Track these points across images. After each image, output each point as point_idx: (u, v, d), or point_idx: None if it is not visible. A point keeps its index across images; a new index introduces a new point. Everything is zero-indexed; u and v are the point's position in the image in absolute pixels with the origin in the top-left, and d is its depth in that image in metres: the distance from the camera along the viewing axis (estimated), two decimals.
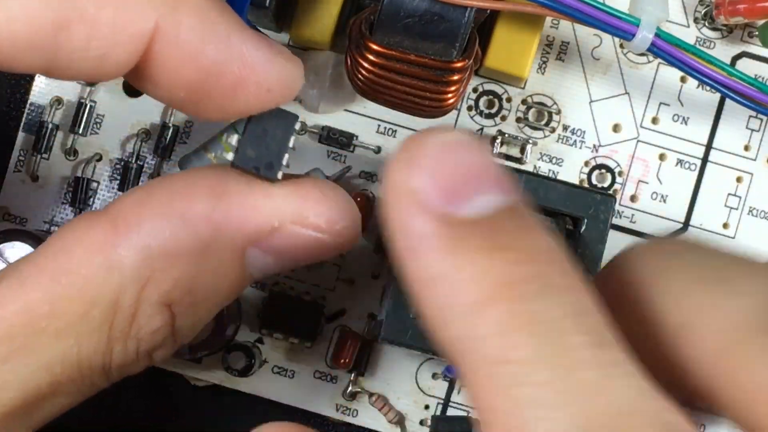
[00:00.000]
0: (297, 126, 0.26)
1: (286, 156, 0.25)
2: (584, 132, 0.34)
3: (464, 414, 0.34)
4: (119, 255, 0.23)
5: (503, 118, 0.34)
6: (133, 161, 0.34)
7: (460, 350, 0.18)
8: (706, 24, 0.34)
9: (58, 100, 0.34)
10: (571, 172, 0.34)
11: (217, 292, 0.25)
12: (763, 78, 0.35)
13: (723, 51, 0.35)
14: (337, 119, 0.34)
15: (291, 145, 0.26)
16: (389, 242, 0.19)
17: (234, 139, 0.26)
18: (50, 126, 0.34)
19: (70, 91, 0.34)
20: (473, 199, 0.18)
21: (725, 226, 0.35)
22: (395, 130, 0.34)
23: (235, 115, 0.25)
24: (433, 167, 0.19)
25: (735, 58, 0.35)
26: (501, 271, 0.18)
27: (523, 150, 0.34)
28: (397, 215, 0.19)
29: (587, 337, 0.17)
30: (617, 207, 0.34)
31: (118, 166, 0.34)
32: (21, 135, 0.34)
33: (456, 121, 0.34)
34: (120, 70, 0.24)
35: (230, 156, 0.25)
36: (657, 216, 0.35)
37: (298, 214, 0.25)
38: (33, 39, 0.22)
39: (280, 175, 0.25)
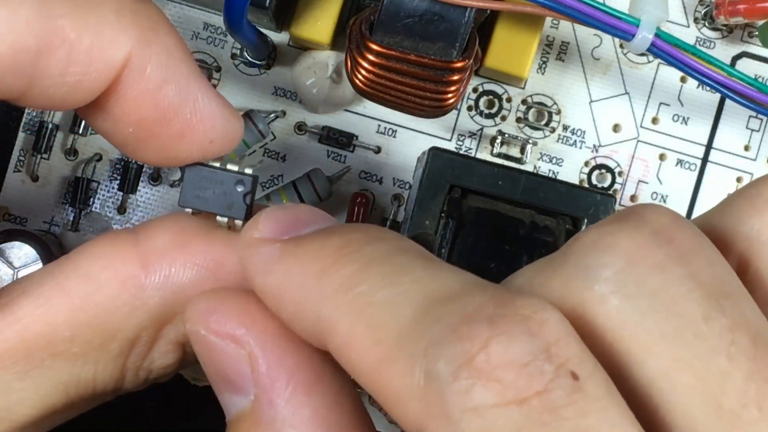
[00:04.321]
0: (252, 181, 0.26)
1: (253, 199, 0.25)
2: (584, 132, 0.34)
3: None
4: (146, 295, 0.23)
5: (503, 118, 0.34)
6: (133, 161, 0.34)
7: (321, 321, 0.20)
8: (706, 24, 0.34)
9: None
10: (571, 172, 0.34)
11: None
12: (763, 78, 0.35)
13: (723, 51, 0.35)
14: (337, 119, 0.34)
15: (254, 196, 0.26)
16: (254, 291, 0.22)
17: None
18: (50, 126, 0.34)
19: None
20: (305, 229, 0.22)
21: None
22: (395, 130, 0.34)
23: (174, 161, 0.25)
24: (269, 221, 0.22)
25: (735, 58, 0.35)
26: (334, 243, 0.21)
27: (523, 150, 0.34)
28: (251, 258, 0.22)
29: (413, 255, 0.20)
30: (617, 207, 0.34)
31: (118, 166, 0.34)
32: (21, 135, 0.34)
33: (456, 121, 0.34)
34: (88, 98, 0.23)
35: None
36: None
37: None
38: (15, 63, 0.21)
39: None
